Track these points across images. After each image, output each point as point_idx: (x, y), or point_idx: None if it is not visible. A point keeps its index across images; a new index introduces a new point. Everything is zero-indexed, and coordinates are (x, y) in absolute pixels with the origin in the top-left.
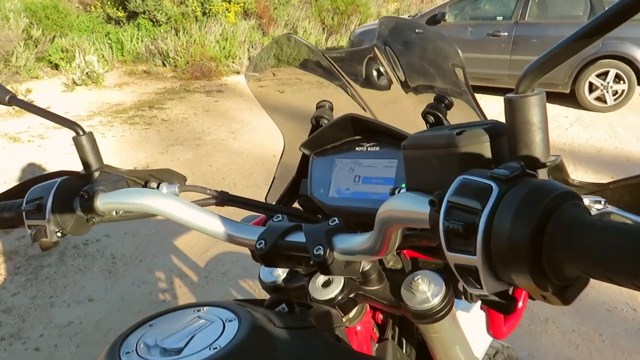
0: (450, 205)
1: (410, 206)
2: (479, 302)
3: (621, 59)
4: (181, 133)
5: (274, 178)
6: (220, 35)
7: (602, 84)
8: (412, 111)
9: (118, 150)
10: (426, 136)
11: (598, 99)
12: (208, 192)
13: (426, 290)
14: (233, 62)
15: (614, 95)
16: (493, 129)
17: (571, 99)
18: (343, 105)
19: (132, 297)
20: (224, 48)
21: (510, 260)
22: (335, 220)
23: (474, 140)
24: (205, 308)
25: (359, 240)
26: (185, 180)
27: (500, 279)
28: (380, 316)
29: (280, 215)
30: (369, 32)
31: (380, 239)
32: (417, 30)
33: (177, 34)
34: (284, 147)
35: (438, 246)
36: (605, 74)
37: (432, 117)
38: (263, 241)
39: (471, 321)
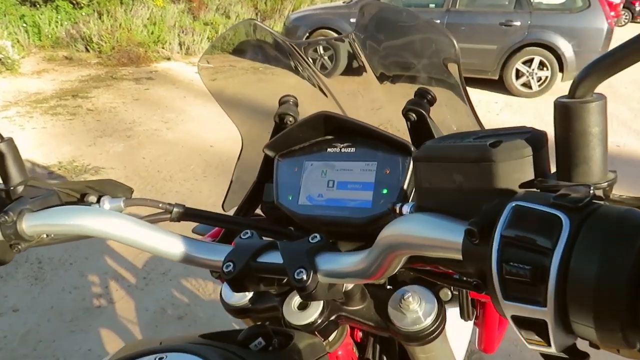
0: (505, 240)
1: (432, 232)
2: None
3: (545, 47)
4: (110, 123)
5: (230, 182)
6: (147, 19)
7: (527, 71)
8: (390, 108)
9: (39, 144)
10: (448, 147)
11: (524, 85)
12: (160, 205)
13: (417, 310)
14: (163, 48)
15: (538, 81)
16: (535, 140)
17: (500, 85)
18: (309, 100)
19: (62, 304)
20: (152, 33)
21: (596, 314)
22: (316, 236)
23: (515, 154)
24: (168, 356)
25: (349, 261)
26: (132, 192)
27: (573, 332)
28: (359, 333)
29: (249, 231)
30: (304, 17)
31: (377, 262)
32: (404, 18)
33: (100, 18)
34: (242, 147)
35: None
36: (531, 61)
37: (413, 115)
38: (231, 263)
39: (452, 329)
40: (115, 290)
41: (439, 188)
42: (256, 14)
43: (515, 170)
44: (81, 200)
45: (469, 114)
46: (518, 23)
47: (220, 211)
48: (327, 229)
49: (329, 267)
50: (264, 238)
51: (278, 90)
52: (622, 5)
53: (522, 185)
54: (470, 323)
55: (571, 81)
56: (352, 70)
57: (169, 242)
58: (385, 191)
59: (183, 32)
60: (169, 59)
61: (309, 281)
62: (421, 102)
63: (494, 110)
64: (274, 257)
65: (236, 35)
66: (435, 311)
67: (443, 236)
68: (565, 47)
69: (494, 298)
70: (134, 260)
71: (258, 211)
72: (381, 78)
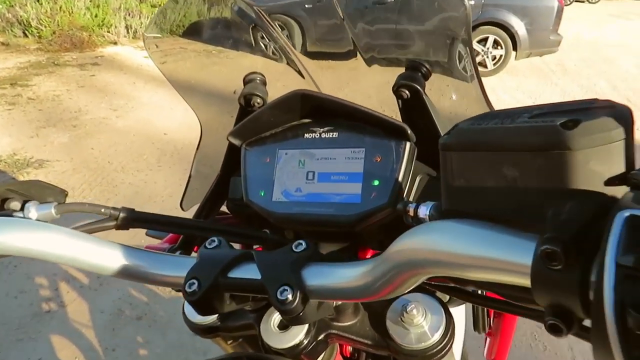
0: (626, 272)
1: (481, 248)
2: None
3: (498, 26)
4: (53, 113)
5: (189, 178)
6: (90, 2)
7: (482, 50)
8: (376, 84)
9: None
10: (495, 130)
11: (479, 64)
12: (103, 210)
13: (423, 324)
14: (108, 32)
15: (493, 60)
16: (623, 118)
17: None
18: (278, 77)
19: (8, 311)
20: (96, 16)
21: None
22: (301, 243)
23: (601, 138)
24: None
25: (347, 276)
26: (65, 195)
27: None
28: (348, 348)
29: (215, 238)
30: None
31: (385, 279)
32: None
33: (38, 1)
34: (200, 136)
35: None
36: (485, 39)
37: (406, 92)
38: (195, 281)
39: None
40: (66, 292)
41: (480, 187)
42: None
43: (602, 160)
44: (0, 207)
45: (475, 93)
46: (472, 2)
47: (179, 209)
48: (308, 229)
49: (321, 283)
50: (234, 245)
51: (242, 69)
52: None
53: (608, 182)
54: (462, 318)
55: (524, 59)
56: (331, 43)
57: (115, 257)
58: (376, 183)
59: (129, 14)
60: (115, 43)
61: (296, 302)
62: (415, 76)
63: (448, 92)
64: (250, 271)
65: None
66: (443, 324)
67: (498, 254)
68: (518, 26)
69: (600, 352)
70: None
71: (224, 208)
72: (366, 50)
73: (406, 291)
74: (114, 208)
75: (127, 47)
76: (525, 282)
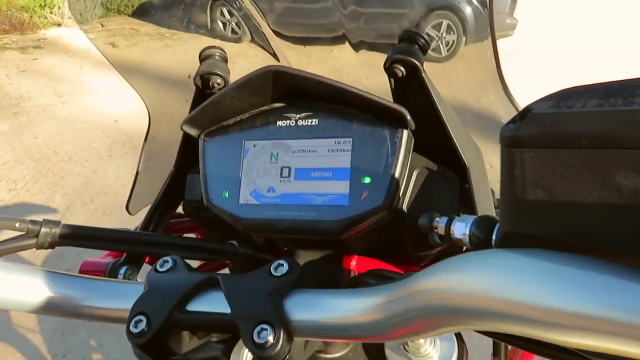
0: None
1: (574, 298)
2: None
3: (450, 10)
4: None
5: (136, 175)
6: None
7: (437, 35)
8: (363, 63)
9: None
10: (604, 114)
11: (434, 50)
12: (18, 225)
13: (432, 353)
14: (51, 13)
15: (447, 45)
16: None
17: None
18: (241, 52)
19: None
20: None
21: None
22: (282, 264)
23: None
24: None
25: (344, 308)
26: None
27: None
28: None
29: (169, 258)
30: None
31: (402, 319)
32: None
33: None
34: (149, 125)
35: None
36: (440, 25)
37: (401, 69)
38: (143, 318)
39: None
40: None
41: (572, 203)
42: None
43: None
44: None
45: (489, 69)
46: None
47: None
48: (284, 237)
49: (311, 318)
50: (194, 262)
51: (197, 41)
52: None
53: None
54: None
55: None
56: (309, 24)
57: (33, 287)
58: (367, 180)
59: None
60: (59, 24)
61: (279, 345)
62: (411, 49)
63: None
64: (215, 302)
65: None
66: (455, 354)
67: (615, 312)
68: (469, 11)
69: None
70: (31, 257)
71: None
72: (356, 33)
73: (428, 337)
74: (32, 221)
75: (72, 28)
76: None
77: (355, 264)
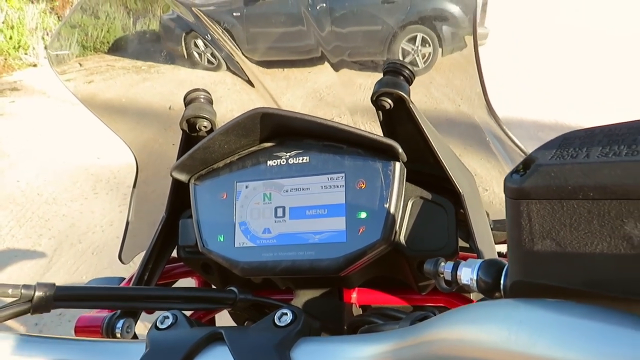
0: None
1: (590, 350)
2: None
3: (423, 23)
4: None
5: (127, 224)
6: (2, 23)
7: (412, 49)
8: (349, 94)
9: None
10: (609, 166)
11: (411, 63)
12: (11, 291)
13: None
14: (26, 54)
15: (423, 58)
16: None
17: None
18: (227, 94)
19: None
20: (10, 38)
21: None
22: (285, 313)
23: None
24: None
25: (353, 356)
26: None
27: None
28: None
29: (169, 314)
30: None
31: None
32: None
33: None
34: (137, 172)
35: None
36: (414, 38)
37: (388, 101)
38: None
39: None
40: None
41: (581, 254)
42: (127, 13)
43: None
44: None
45: (474, 95)
46: None
47: (121, 238)
48: (283, 277)
49: None
50: (192, 314)
51: (181, 87)
52: None
53: None
54: None
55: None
56: (286, 48)
57: (29, 355)
58: (363, 215)
59: (48, 34)
60: (35, 65)
61: None
62: (397, 81)
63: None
64: (220, 358)
65: (113, 9)
66: None
67: None
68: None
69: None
70: None
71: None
72: (334, 52)
73: None
74: (25, 286)
75: (48, 68)
76: None
77: (356, 297)
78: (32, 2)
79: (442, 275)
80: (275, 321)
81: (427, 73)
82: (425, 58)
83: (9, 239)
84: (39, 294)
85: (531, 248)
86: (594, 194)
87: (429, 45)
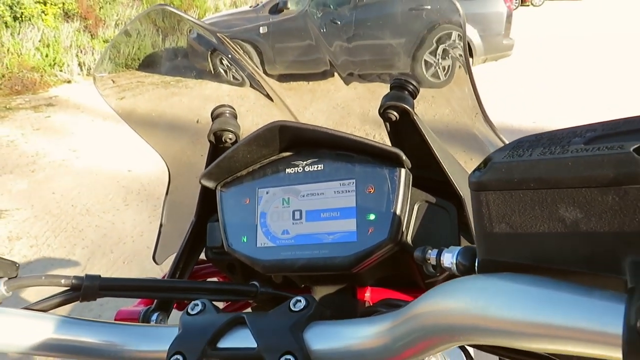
0: None
1: (538, 313)
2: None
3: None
4: (9, 159)
5: (160, 227)
6: (39, 41)
7: (434, 61)
8: (359, 107)
9: None
10: (547, 162)
11: (433, 75)
12: (63, 281)
13: None
14: (61, 71)
15: (444, 70)
16: None
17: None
18: (250, 108)
19: None
20: (46, 56)
21: None
22: (299, 300)
23: None
24: None
25: (357, 335)
26: (17, 267)
27: None
28: None
29: (199, 302)
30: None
31: (407, 341)
32: None
33: None
34: (169, 180)
35: None
36: (435, 50)
37: (394, 114)
38: (180, 357)
39: None
40: None
41: (529, 233)
42: (157, 30)
43: None
44: None
45: (471, 108)
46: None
47: (151, 248)
48: (301, 274)
49: (329, 347)
50: (220, 303)
51: (204, 98)
52: None
53: None
54: None
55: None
56: (302, 64)
57: (80, 337)
58: (372, 217)
59: (81, 52)
60: (69, 81)
61: None
62: (402, 95)
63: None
64: (243, 339)
65: (138, 32)
66: None
67: (571, 321)
68: (472, 33)
69: None
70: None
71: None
72: (343, 67)
73: (430, 355)
74: (75, 277)
75: (81, 84)
76: (612, 354)
77: (369, 295)
78: (67, 22)
79: (429, 261)
80: (291, 307)
81: (448, 85)
82: (446, 70)
83: (45, 248)
84: (87, 283)
85: (491, 231)
86: (534, 184)
87: (448, 58)
